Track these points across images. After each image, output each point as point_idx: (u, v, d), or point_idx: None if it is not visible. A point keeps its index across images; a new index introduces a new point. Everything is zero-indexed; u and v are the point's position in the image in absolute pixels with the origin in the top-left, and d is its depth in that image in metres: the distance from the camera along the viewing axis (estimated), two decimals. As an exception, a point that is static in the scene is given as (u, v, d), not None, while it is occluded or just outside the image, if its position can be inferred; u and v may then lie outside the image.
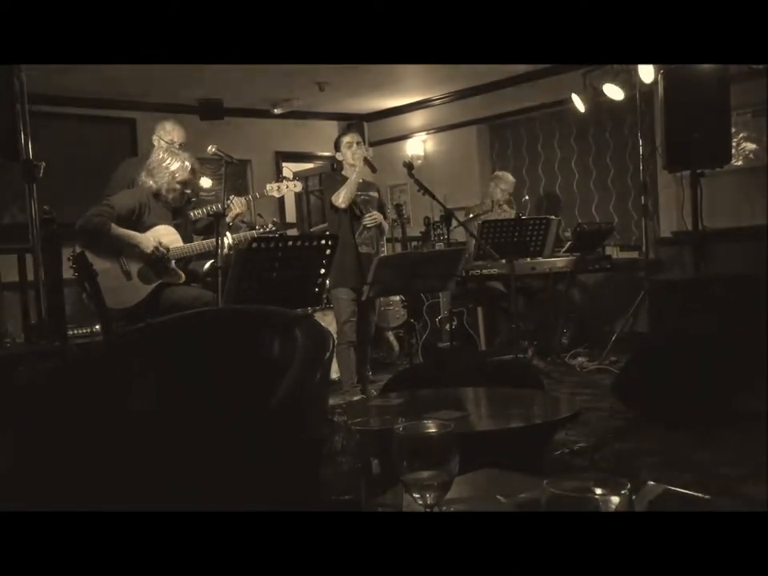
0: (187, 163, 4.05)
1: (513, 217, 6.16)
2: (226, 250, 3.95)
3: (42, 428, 1.67)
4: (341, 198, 4.74)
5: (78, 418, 1.70)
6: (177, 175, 4.02)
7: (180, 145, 4.88)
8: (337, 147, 4.99)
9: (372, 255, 4.89)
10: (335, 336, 4.99)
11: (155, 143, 4.86)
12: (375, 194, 5.06)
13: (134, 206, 3.94)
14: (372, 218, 4.89)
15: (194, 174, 4.14)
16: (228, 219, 4.41)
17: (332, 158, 8.97)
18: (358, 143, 4.93)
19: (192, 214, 4.57)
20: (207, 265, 4.60)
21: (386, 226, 5.13)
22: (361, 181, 4.84)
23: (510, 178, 6.55)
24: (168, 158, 4.05)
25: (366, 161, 4.78)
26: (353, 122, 8.97)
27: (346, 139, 4.96)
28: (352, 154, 4.86)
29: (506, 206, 6.47)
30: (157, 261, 3.92)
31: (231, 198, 4.40)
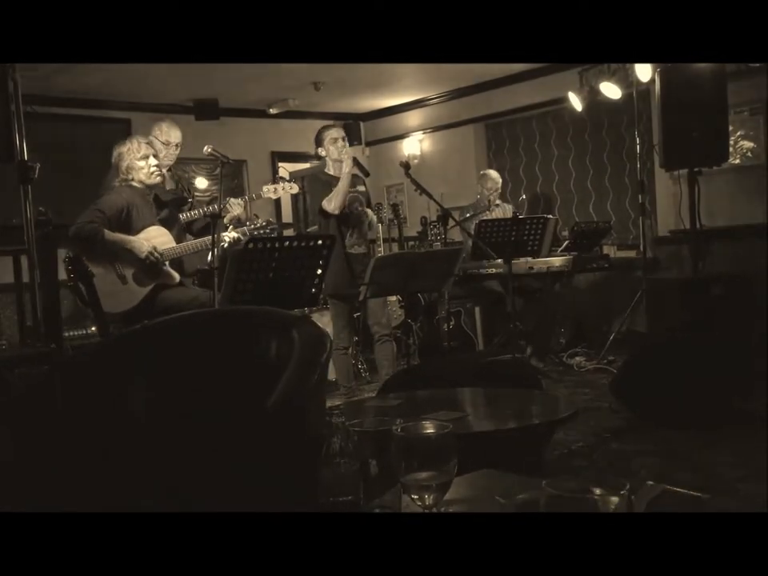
0: (140, 140, 4.13)
1: (509, 214, 6.15)
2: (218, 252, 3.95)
3: (38, 430, 1.66)
4: (333, 205, 4.60)
5: (74, 420, 1.69)
6: (143, 154, 4.07)
7: (177, 145, 4.87)
8: (319, 142, 4.79)
9: (366, 254, 4.85)
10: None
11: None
12: (363, 189, 4.90)
13: (122, 206, 3.95)
14: (369, 216, 4.83)
15: (153, 146, 4.22)
16: (226, 221, 4.42)
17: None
18: (343, 138, 4.77)
19: (187, 214, 4.57)
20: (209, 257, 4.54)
21: (374, 220, 5.04)
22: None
23: (493, 174, 6.51)
24: (125, 147, 4.10)
25: (355, 161, 4.63)
26: (349, 122, 8.97)
27: (331, 134, 4.76)
28: (338, 149, 4.70)
29: (500, 202, 6.46)
30: (151, 265, 3.92)
31: (228, 199, 4.40)
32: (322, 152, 4.79)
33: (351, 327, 4.84)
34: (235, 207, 4.38)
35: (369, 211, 4.90)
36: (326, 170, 4.84)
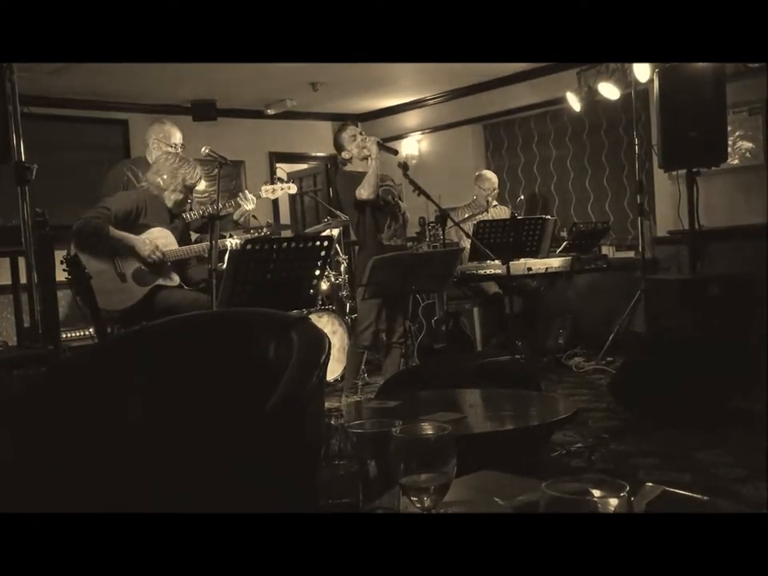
0: (198, 170, 4.11)
1: (507, 215, 6.15)
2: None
3: (35, 433, 1.66)
4: (367, 191, 4.47)
5: (72, 423, 1.69)
6: (187, 180, 4.06)
7: (176, 146, 4.85)
8: (339, 146, 4.74)
9: (403, 248, 4.77)
10: (348, 339, 4.95)
11: (152, 145, 4.79)
12: (392, 183, 4.84)
13: (132, 207, 3.94)
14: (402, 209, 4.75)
15: (200, 182, 4.20)
16: (236, 217, 4.45)
17: (326, 158, 9.03)
18: (360, 133, 4.73)
19: (186, 215, 4.56)
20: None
21: (408, 216, 4.96)
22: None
23: (489, 174, 6.52)
24: (180, 162, 4.09)
25: (380, 145, 4.57)
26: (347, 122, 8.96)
27: (348, 133, 4.71)
28: (359, 145, 4.65)
29: (496, 203, 6.46)
30: (152, 264, 3.92)
31: (240, 194, 4.44)
32: (345, 154, 4.72)
33: (376, 327, 4.68)
34: (247, 202, 4.40)
35: (402, 204, 4.86)
36: (352, 169, 4.74)
